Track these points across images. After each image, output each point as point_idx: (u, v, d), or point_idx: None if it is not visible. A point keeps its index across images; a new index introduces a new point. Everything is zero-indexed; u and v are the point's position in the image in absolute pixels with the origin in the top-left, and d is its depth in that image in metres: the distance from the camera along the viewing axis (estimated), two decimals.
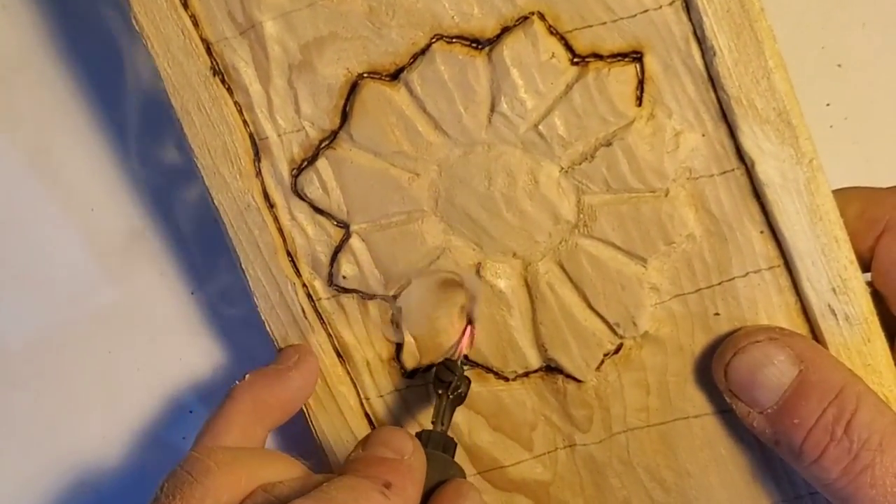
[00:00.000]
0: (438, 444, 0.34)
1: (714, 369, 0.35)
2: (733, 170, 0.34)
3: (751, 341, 0.33)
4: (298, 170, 0.36)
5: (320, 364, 0.38)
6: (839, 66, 0.38)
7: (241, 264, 0.37)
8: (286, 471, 0.31)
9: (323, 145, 0.36)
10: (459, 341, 0.36)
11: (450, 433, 0.35)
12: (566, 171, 0.35)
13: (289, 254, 0.37)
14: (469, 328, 0.36)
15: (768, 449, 0.36)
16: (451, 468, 0.33)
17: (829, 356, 0.33)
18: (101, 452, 0.43)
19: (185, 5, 0.35)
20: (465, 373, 0.36)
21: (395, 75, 0.35)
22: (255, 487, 0.30)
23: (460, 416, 0.38)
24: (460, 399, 0.35)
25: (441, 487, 0.32)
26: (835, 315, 0.34)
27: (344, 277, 0.37)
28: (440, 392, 0.35)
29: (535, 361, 0.37)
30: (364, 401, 0.38)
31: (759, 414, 0.33)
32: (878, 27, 0.39)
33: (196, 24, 0.35)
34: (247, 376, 0.36)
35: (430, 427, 0.35)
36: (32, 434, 0.43)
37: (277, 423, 0.36)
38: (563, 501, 0.38)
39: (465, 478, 0.34)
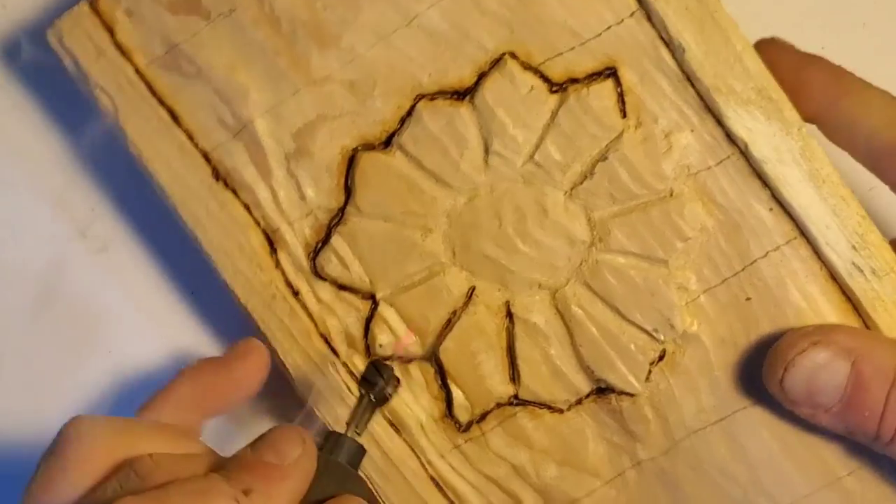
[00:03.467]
0: (345, 451, 0.32)
1: (769, 386, 0.35)
2: (729, 157, 0.35)
3: (797, 352, 0.33)
4: (315, 252, 0.37)
5: (377, 438, 0.38)
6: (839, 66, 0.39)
7: (279, 356, 0.37)
8: (166, 444, 0.30)
9: (333, 223, 0.37)
10: (397, 343, 0.36)
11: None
12: (570, 194, 0.36)
13: (322, 336, 0.37)
14: (408, 334, 0.36)
15: None
16: (349, 480, 0.31)
17: (875, 338, 0.34)
18: None
19: (178, 123, 0.36)
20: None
21: (387, 142, 0.36)
22: (123, 460, 0.29)
23: (524, 456, 0.38)
24: (384, 400, 0.33)
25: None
26: (861, 271, 0.34)
27: (380, 346, 0.37)
28: (363, 391, 0.33)
29: (584, 386, 0.37)
30: (427, 465, 0.38)
31: (826, 413, 0.34)
32: (878, 27, 0.39)
33: (191, 137, 0.36)
34: (193, 363, 0.35)
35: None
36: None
37: (217, 412, 0.35)
38: None
39: (364, 491, 0.32)
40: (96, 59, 0.36)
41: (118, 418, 0.32)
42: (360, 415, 0.33)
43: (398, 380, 0.34)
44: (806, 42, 0.40)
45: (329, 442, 0.32)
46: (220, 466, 0.30)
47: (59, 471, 0.29)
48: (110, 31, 0.36)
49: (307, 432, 0.30)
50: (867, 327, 0.35)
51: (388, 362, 0.37)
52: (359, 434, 0.33)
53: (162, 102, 0.36)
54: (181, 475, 0.28)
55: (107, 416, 0.32)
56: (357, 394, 0.35)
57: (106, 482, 0.28)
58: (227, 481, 0.28)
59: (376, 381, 0.33)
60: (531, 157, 0.35)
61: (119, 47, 0.36)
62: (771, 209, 0.35)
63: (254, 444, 0.30)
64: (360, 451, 0.32)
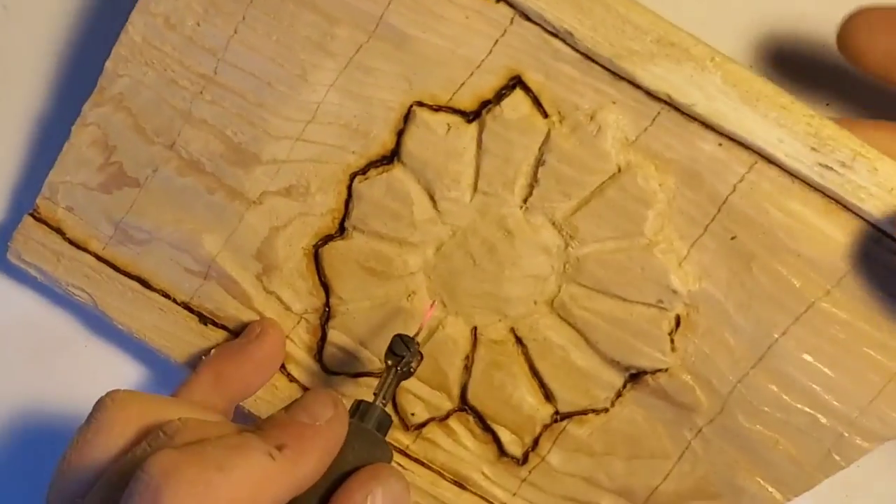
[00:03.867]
0: (372, 419, 0.32)
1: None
2: (659, 112, 0.34)
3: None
4: (319, 353, 0.38)
5: (446, 502, 0.38)
6: (839, 66, 0.38)
7: None
8: (195, 414, 0.30)
9: (324, 321, 0.37)
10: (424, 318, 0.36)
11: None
12: (525, 208, 0.36)
13: None
14: (433, 305, 0.36)
15: (870, 320, 0.34)
16: (378, 447, 0.31)
17: None
18: None
19: (150, 287, 0.38)
20: None
21: (341, 227, 0.37)
22: (153, 423, 0.29)
23: (589, 464, 0.38)
24: (408, 374, 0.34)
25: (358, 471, 0.30)
26: (830, 168, 0.33)
27: (413, 415, 0.38)
28: (389, 363, 0.33)
29: (617, 378, 0.37)
30: None
31: None
32: None
33: (167, 295, 0.38)
34: (212, 351, 0.37)
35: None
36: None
37: (242, 396, 0.36)
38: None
39: (391, 458, 0.32)
40: (58, 262, 0.37)
41: (151, 394, 0.33)
42: (387, 386, 0.33)
43: (421, 354, 0.34)
44: (806, 41, 0.40)
45: (359, 410, 0.32)
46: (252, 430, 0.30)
47: (92, 435, 0.30)
48: (59, 232, 0.37)
49: (339, 397, 0.31)
50: (860, 218, 0.34)
51: (428, 422, 0.38)
52: (384, 404, 0.33)
53: (129, 275, 0.38)
54: (210, 436, 0.28)
55: (140, 391, 0.32)
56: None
57: (136, 445, 0.29)
58: (261, 438, 0.28)
59: (402, 354, 0.33)
60: (475, 188, 0.36)
61: (73, 243, 0.37)
62: (720, 144, 0.34)
63: (287, 407, 0.30)
64: (388, 420, 0.33)
